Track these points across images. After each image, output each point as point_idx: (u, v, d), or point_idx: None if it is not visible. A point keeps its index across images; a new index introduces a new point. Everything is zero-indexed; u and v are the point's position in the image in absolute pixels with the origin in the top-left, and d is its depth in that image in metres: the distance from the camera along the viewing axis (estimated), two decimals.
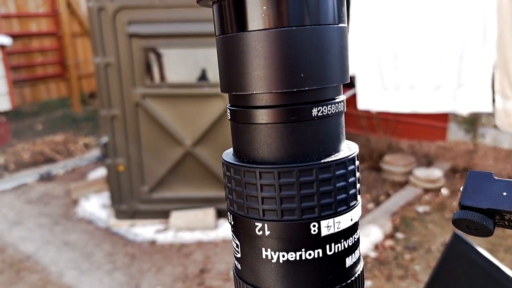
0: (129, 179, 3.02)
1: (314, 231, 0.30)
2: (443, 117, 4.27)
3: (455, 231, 1.00)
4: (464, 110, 2.84)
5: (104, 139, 2.96)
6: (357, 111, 3.77)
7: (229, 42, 0.30)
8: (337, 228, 0.31)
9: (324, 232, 0.30)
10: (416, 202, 3.26)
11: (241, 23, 0.29)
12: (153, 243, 2.87)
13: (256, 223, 0.31)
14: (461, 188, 0.38)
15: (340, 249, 0.31)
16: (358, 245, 0.34)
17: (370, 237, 2.71)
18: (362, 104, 3.11)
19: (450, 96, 2.80)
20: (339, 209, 0.31)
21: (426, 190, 3.42)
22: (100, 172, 3.99)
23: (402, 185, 3.56)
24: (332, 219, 0.30)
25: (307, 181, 0.30)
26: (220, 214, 3.07)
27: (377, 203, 3.30)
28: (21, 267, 2.65)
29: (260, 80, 0.29)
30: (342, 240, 0.32)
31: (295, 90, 0.29)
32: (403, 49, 2.86)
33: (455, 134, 4.29)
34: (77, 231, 3.09)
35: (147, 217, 3.10)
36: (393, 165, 3.66)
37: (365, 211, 3.12)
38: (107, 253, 2.79)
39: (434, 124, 4.35)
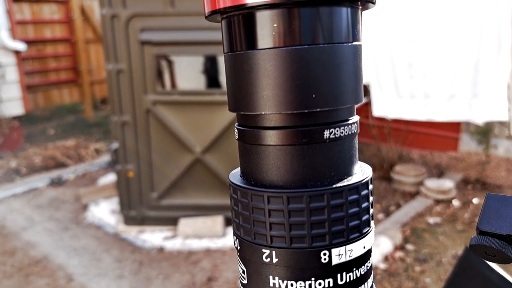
0: (139, 185, 3.02)
1: (325, 259, 0.29)
2: (455, 128, 4.22)
3: (467, 245, 0.98)
4: (480, 119, 2.81)
5: (115, 145, 2.97)
6: (369, 120, 3.74)
7: (237, 60, 0.29)
8: (349, 257, 0.29)
9: (335, 261, 0.29)
10: (427, 213, 3.21)
11: (251, 41, 0.28)
12: (161, 250, 2.87)
13: (264, 250, 0.29)
14: (480, 212, 0.37)
15: (352, 279, 0.30)
16: (371, 273, 0.32)
17: (380, 248, 2.67)
18: (377, 111, 3.09)
19: (465, 105, 2.77)
20: (351, 237, 0.29)
21: (437, 201, 3.37)
22: (110, 178, 4.01)
23: (412, 195, 3.52)
24: (343, 247, 0.29)
25: (318, 207, 0.28)
26: (229, 222, 3.05)
27: (387, 213, 3.26)
28: (30, 272, 2.66)
29: (269, 100, 0.28)
30: (354, 269, 0.30)
31: (306, 111, 0.28)
32: (418, 58, 2.84)
33: (467, 144, 4.23)
34: (86, 236, 3.10)
35: (155, 224, 3.10)
36: (404, 175, 3.62)
37: (375, 222, 3.08)
38: (115, 259, 2.79)
39: (446, 134, 4.30)
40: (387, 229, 2.92)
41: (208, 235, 2.95)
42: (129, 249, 2.90)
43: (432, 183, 3.46)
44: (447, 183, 3.47)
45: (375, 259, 2.60)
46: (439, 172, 3.93)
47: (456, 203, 3.35)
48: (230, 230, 3.03)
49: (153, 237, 3.01)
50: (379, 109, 3.08)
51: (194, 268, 2.65)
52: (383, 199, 3.49)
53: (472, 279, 1.04)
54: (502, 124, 3.73)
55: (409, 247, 2.77)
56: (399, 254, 2.69)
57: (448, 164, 4.11)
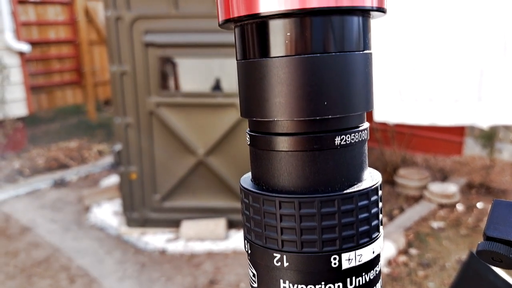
0: (141, 187, 3.03)
1: (335, 264, 0.29)
2: (459, 131, 4.21)
3: (471, 250, 0.98)
4: (484, 123, 2.80)
5: (118, 146, 2.98)
6: (372, 124, 3.74)
7: (250, 68, 0.30)
8: (359, 261, 0.30)
9: (345, 265, 0.29)
10: (430, 218, 3.20)
11: (264, 49, 0.29)
12: (163, 252, 2.87)
13: (275, 254, 0.30)
14: (487, 218, 0.37)
15: (361, 283, 0.30)
16: (380, 278, 0.33)
17: (383, 253, 2.67)
18: (379, 116, 3.08)
19: (470, 109, 2.76)
20: (361, 242, 0.30)
21: (441, 206, 3.36)
22: (113, 180, 4.02)
23: (416, 199, 3.51)
24: (353, 251, 0.29)
25: (329, 212, 0.29)
26: (231, 225, 3.05)
27: (391, 217, 3.25)
28: (32, 273, 2.66)
29: (282, 107, 0.28)
30: (364, 274, 0.30)
31: (318, 118, 0.28)
32: (421, 62, 2.84)
33: (472, 148, 4.22)
34: (88, 238, 3.10)
35: (158, 226, 3.10)
36: (408, 179, 3.61)
37: None
38: (117, 260, 2.79)
39: (450, 138, 4.29)
40: (390, 233, 2.92)
41: (211, 238, 2.95)
42: (131, 251, 2.90)
43: (435, 187, 3.46)
44: (451, 187, 3.46)
45: None
46: (443, 176, 3.92)
47: (460, 207, 3.34)
48: (232, 233, 3.03)
49: (155, 239, 3.01)
50: (380, 114, 3.06)
51: (196, 270, 2.65)
52: (386, 203, 3.49)
53: (476, 284, 1.04)
54: (506, 128, 3.73)
55: (413, 251, 2.76)
56: (402, 258, 2.68)
57: (452, 168, 4.11)
